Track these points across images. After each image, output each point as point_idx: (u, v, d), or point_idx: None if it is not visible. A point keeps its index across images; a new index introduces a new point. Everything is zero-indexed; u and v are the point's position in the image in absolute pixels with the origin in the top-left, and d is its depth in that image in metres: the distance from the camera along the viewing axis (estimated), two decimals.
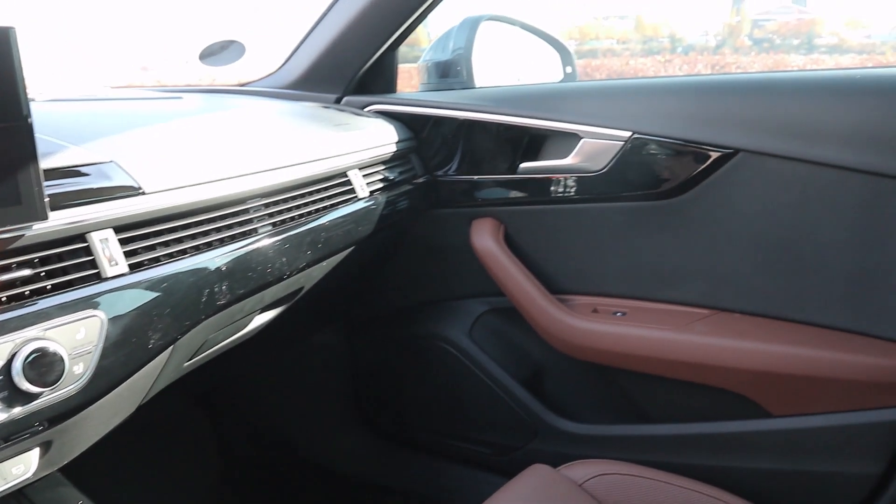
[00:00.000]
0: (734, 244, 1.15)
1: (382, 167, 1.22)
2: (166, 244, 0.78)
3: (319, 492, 1.64)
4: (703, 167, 1.14)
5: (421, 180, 1.32)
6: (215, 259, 0.83)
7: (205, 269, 0.81)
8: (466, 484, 1.46)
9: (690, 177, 1.15)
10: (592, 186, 1.22)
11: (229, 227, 0.87)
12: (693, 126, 1.15)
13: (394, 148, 1.26)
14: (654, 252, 1.21)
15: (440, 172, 1.34)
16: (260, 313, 1.02)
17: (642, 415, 1.28)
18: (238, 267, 0.86)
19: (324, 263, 1.06)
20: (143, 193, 0.75)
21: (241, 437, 1.69)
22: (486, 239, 1.28)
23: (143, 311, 0.72)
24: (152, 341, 0.74)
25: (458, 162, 1.33)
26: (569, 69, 1.65)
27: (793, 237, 1.11)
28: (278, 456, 1.67)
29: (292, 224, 0.98)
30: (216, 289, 0.83)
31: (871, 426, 1.07)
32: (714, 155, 1.13)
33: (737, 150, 1.12)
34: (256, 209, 0.92)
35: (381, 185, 1.20)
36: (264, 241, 0.91)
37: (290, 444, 1.67)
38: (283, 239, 0.94)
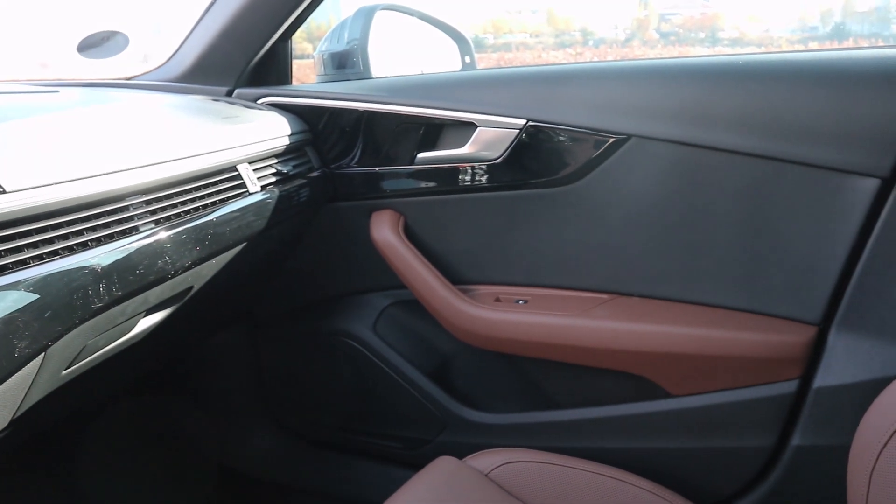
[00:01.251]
0: (630, 229, 1.17)
1: (275, 161, 1.19)
2: (35, 245, 0.73)
3: (227, 493, 1.59)
4: (597, 153, 1.15)
5: (317, 174, 1.28)
6: (90, 260, 0.78)
7: (78, 270, 0.76)
8: (377, 480, 1.44)
9: (585, 163, 1.16)
10: (490, 175, 1.21)
11: (106, 225, 0.82)
12: (586, 112, 1.15)
13: (287, 141, 1.22)
14: (553, 239, 1.22)
15: (337, 165, 1.32)
16: (146, 316, 0.97)
17: (548, 401, 1.28)
18: (116, 267, 0.81)
19: (213, 261, 1.02)
20: (4, 192, 0.69)
21: (140, 437, 1.62)
22: (385, 231, 1.26)
23: (8, 318, 0.67)
24: (18, 349, 0.69)
25: (356, 154, 1.30)
26: (467, 59, 1.65)
27: (686, 220, 1.14)
28: (183, 457, 1.61)
29: (177, 221, 0.93)
30: (91, 291, 0.78)
31: (763, 400, 1.11)
32: (608, 141, 1.14)
33: (629, 136, 1.13)
34: (136, 206, 0.87)
35: (273, 179, 1.16)
36: (145, 240, 0.86)
37: (196, 445, 1.61)
38: (166, 237, 0.89)
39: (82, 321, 0.78)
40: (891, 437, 0.86)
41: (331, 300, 1.42)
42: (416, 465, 1.09)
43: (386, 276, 1.31)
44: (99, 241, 0.81)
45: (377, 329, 1.37)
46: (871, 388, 0.95)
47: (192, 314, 1.11)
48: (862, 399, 0.97)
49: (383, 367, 1.36)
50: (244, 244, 1.08)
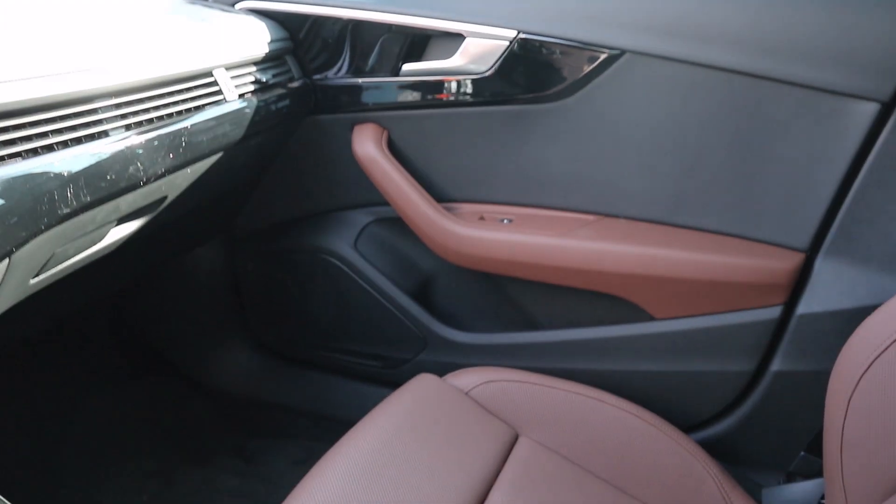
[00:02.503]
0: (620, 148, 1.14)
1: (254, 68, 1.13)
2: None
3: (205, 410, 1.59)
4: (589, 69, 1.11)
5: (297, 84, 1.23)
6: (55, 163, 0.74)
7: (43, 174, 0.72)
8: (355, 398, 1.44)
9: (577, 79, 1.12)
10: (478, 89, 1.17)
11: (73, 128, 0.78)
12: (580, 25, 1.11)
13: (266, 48, 1.16)
14: (541, 157, 1.18)
15: (319, 76, 1.26)
16: (117, 225, 0.93)
17: (531, 322, 1.28)
18: (84, 173, 0.77)
19: (188, 170, 0.98)
20: None
21: (122, 354, 1.61)
22: (367, 145, 1.22)
23: None
24: None
25: (338, 64, 1.25)
26: None
27: (677, 141, 1.11)
28: (162, 374, 1.61)
29: (149, 127, 0.89)
30: (58, 196, 0.74)
31: (745, 326, 1.10)
32: (600, 56, 1.10)
33: (623, 52, 1.09)
34: (105, 109, 0.83)
35: (252, 87, 1.11)
36: (115, 145, 0.82)
37: (174, 362, 1.60)
38: (137, 143, 0.85)
39: (49, 227, 0.75)
40: (872, 363, 0.86)
41: (311, 217, 1.39)
42: (396, 383, 1.09)
43: (368, 193, 1.28)
44: (65, 145, 0.76)
45: (358, 246, 1.34)
46: (854, 316, 0.95)
47: (166, 226, 1.08)
48: (844, 326, 0.97)
49: (363, 284, 1.34)
50: (220, 154, 1.04)
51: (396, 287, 1.32)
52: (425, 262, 1.33)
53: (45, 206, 0.73)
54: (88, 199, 0.79)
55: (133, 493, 1.43)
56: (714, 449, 1.12)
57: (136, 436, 1.55)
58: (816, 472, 1.09)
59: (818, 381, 1.05)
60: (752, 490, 1.09)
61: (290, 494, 0.84)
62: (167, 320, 1.60)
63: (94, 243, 0.91)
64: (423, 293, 1.35)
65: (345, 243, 1.34)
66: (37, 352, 1.50)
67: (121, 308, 1.59)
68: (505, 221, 1.21)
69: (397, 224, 1.28)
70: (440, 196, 1.25)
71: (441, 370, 1.08)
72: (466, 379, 1.04)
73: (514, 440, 1.00)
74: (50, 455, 1.46)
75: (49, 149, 0.74)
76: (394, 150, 1.25)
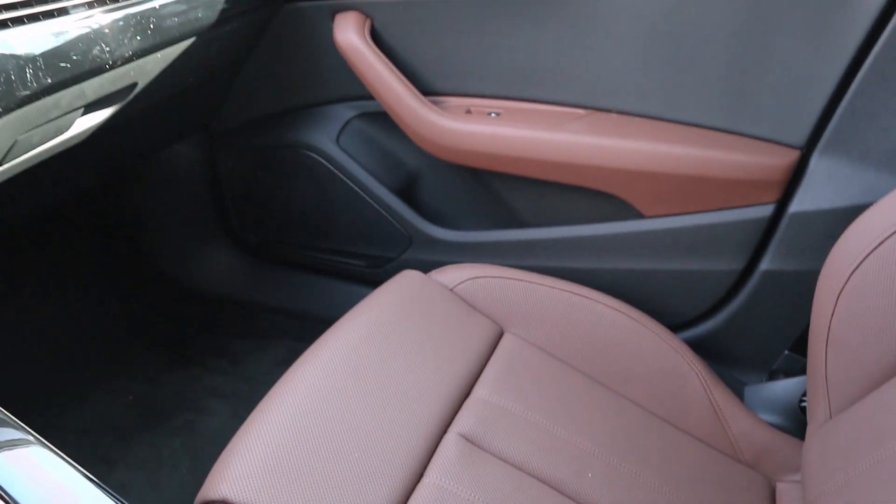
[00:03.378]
0: (613, 40, 1.09)
1: None
2: None
3: (189, 312, 1.58)
4: None
5: None
6: (11, 41, 0.69)
7: None
8: (339, 298, 1.42)
9: None
10: None
11: (29, 3, 0.72)
12: None
13: None
14: (531, 49, 1.13)
15: None
16: (85, 113, 0.89)
17: (517, 220, 1.25)
18: (44, 52, 0.72)
19: (158, 55, 0.93)
20: None
21: (103, 257, 1.59)
22: (350, 34, 1.16)
23: None
24: None
25: None
26: None
27: (672, 33, 1.06)
28: (144, 276, 1.59)
29: (114, 5, 0.83)
30: (15, 77, 0.69)
31: (736, 224, 1.08)
32: None
33: None
34: None
35: None
36: (77, 24, 0.77)
37: (157, 264, 1.58)
38: (102, 22, 0.80)
39: (7, 110, 0.70)
40: (863, 260, 0.85)
41: (291, 111, 1.33)
42: (380, 283, 1.07)
43: (350, 85, 1.23)
44: (21, 21, 0.71)
45: (340, 142, 1.30)
46: (847, 215, 0.93)
47: (138, 117, 1.03)
48: (835, 225, 0.95)
49: (347, 181, 1.30)
50: (193, 40, 0.98)
51: (381, 184, 1.29)
52: (410, 158, 1.29)
53: (1, 86, 0.68)
54: (49, 81, 0.74)
55: (118, 394, 1.43)
56: (699, 348, 1.11)
57: (120, 337, 1.55)
58: (799, 371, 1.09)
59: (806, 281, 1.04)
60: (736, 388, 1.10)
61: (272, 389, 0.83)
62: (147, 221, 1.56)
63: (61, 132, 0.87)
64: (408, 190, 1.32)
65: (327, 139, 1.30)
66: (16, 254, 1.47)
67: (100, 209, 1.55)
68: (493, 115, 1.16)
69: (381, 118, 1.23)
70: (426, 89, 1.20)
71: (426, 269, 1.06)
72: (451, 275, 1.02)
73: (499, 336, 0.99)
74: (32, 358, 1.45)
75: (3, 25, 0.69)
76: (377, 39, 1.19)
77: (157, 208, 1.53)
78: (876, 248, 0.83)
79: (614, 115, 1.13)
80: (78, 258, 1.57)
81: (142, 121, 1.08)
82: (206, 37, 1.01)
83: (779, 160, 1.04)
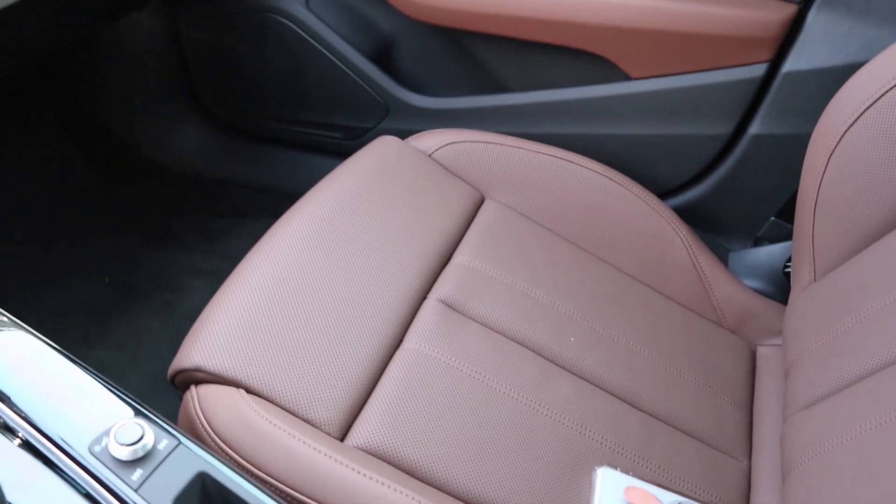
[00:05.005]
0: None
1: None
2: None
3: (163, 191, 1.54)
4: None
5: None
6: None
7: None
8: (316, 172, 1.37)
9: None
10: None
11: None
12: None
13: None
14: None
15: None
16: None
17: (498, 85, 1.19)
18: None
19: None
20: None
21: (64, 132, 1.52)
22: None
23: None
24: None
25: None
26: None
27: None
28: (115, 155, 1.53)
29: None
30: None
31: (726, 85, 1.03)
32: None
33: None
34: None
35: None
36: None
37: (126, 142, 1.52)
38: None
39: None
40: (859, 117, 0.81)
41: None
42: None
43: None
44: None
45: (311, 5, 1.22)
46: (844, 73, 0.89)
47: None
48: (831, 85, 0.92)
49: (320, 48, 1.23)
50: None
51: (355, 50, 1.22)
52: (385, 21, 1.22)
53: None
54: None
55: (94, 274, 1.40)
56: (685, 215, 1.09)
57: (92, 218, 1.50)
58: (784, 237, 1.08)
59: (797, 145, 1.01)
60: (721, 254, 1.09)
61: (245, 257, 0.80)
62: (112, 96, 1.49)
63: None
64: (384, 56, 1.25)
65: (296, 2, 1.22)
66: None
67: (59, 83, 1.48)
68: None
69: None
70: None
71: (405, 138, 1.02)
72: (430, 140, 0.98)
73: (480, 202, 0.96)
74: (2, 236, 1.41)
75: None
76: None
77: (118, 82, 1.46)
78: (873, 103, 0.80)
79: None
80: (39, 135, 1.51)
81: None
82: None
83: (774, 15, 0.98)
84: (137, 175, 1.55)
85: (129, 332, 1.30)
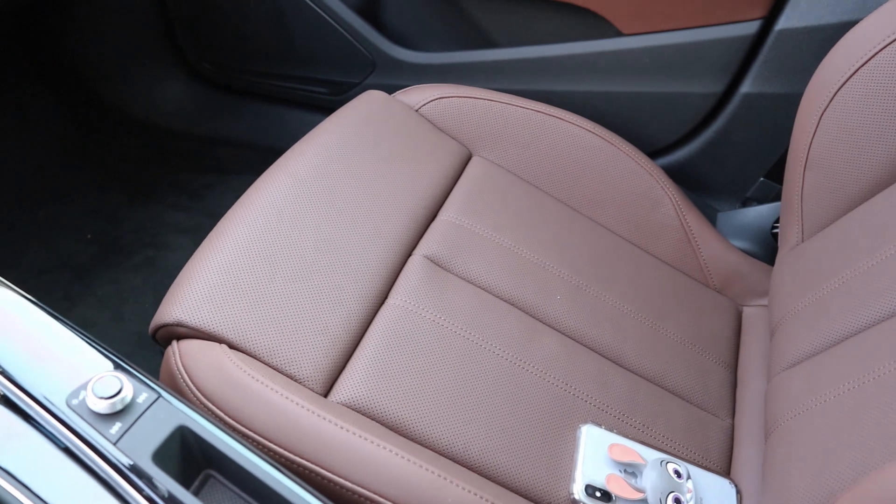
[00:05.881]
0: None
1: None
2: None
3: (146, 147, 1.51)
4: None
5: None
6: None
7: None
8: (302, 127, 1.34)
9: None
10: None
11: None
12: None
13: None
14: None
15: None
16: None
17: (488, 40, 1.17)
18: None
19: None
20: None
21: (50, 91, 1.49)
22: None
23: None
24: None
25: None
26: None
27: None
28: (96, 111, 1.50)
29: None
30: None
31: (719, 42, 1.02)
32: None
33: None
34: None
35: None
36: None
37: (108, 97, 1.49)
38: None
39: None
40: (851, 75, 0.80)
41: None
42: None
43: None
44: None
45: None
46: (836, 32, 0.88)
47: None
48: (824, 43, 0.91)
49: (305, 0, 1.20)
50: None
51: (342, 2, 1.19)
52: None
53: None
54: None
55: (76, 231, 1.38)
56: (675, 174, 1.09)
57: (72, 173, 1.48)
58: (773, 198, 1.07)
59: (788, 104, 1.00)
60: (709, 214, 1.08)
61: (228, 212, 0.79)
62: (93, 50, 1.45)
63: None
64: (370, 10, 1.23)
65: None
66: None
67: (42, 39, 1.44)
68: None
69: None
70: None
71: (392, 93, 1.00)
72: (417, 95, 0.96)
73: (467, 159, 0.95)
74: None
75: None
76: None
77: (99, 35, 1.42)
78: (865, 62, 0.79)
79: None
80: (19, 91, 1.48)
81: None
82: None
83: None
84: (120, 131, 1.52)
85: (112, 290, 1.29)
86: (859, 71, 0.79)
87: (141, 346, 1.21)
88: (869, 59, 0.78)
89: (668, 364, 0.84)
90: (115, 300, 1.27)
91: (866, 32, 0.80)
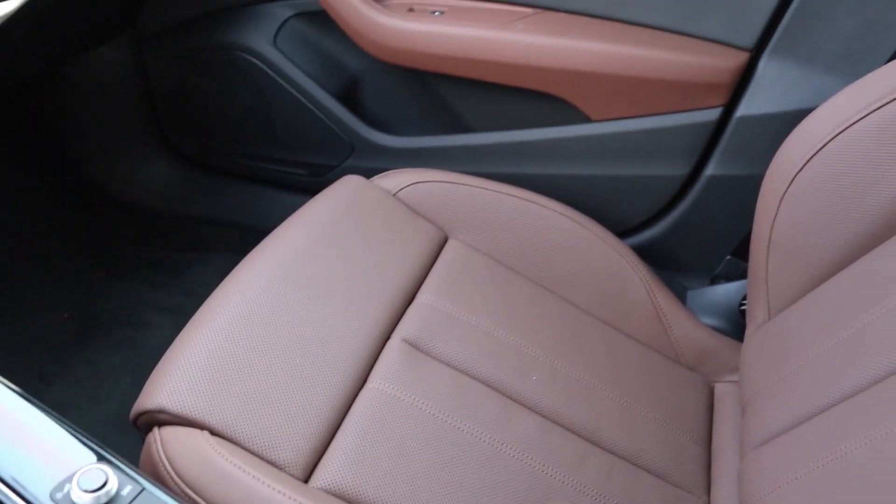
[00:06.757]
0: None
1: None
2: None
3: (126, 225, 1.53)
4: None
5: None
6: None
7: None
8: (282, 208, 1.38)
9: None
10: None
11: None
12: None
13: None
14: None
15: None
16: None
17: (462, 125, 1.22)
18: None
19: None
20: None
21: (32, 169, 1.51)
22: None
23: None
24: None
25: None
26: None
27: None
28: (77, 189, 1.52)
29: None
30: None
31: (683, 128, 1.07)
32: None
33: None
34: None
35: None
36: None
37: (89, 176, 1.51)
38: None
39: None
40: (806, 163, 0.85)
41: (225, 10, 1.26)
42: (321, 191, 1.04)
43: None
44: None
45: (278, 43, 1.23)
46: (793, 118, 0.93)
47: (50, 10, 0.95)
48: (782, 129, 0.95)
49: (286, 86, 1.25)
50: None
51: (321, 88, 1.24)
52: (352, 60, 1.24)
53: None
54: None
55: (53, 310, 1.38)
56: (644, 253, 1.12)
57: (52, 251, 1.48)
58: (740, 275, 1.11)
59: (750, 186, 1.05)
60: (679, 292, 1.11)
61: (210, 297, 0.80)
62: (78, 130, 1.48)
63: None
64: (350, 95, 1.27)
65: (263, 40, 1.23)
66: None
67: (29, 117, 1.46)
68: (436, 13, 1.11)
69: (320, 18, 1.17)
70: None
71: (369, 176, 1.03)
72: (394, 180, 1.00)
73: (444, 242, 0.98)
74: None
75: None
76: None
77: (85, 115, 1.45)
78: (818, 151, 0.83)
79: (561, 15, 1.09)
80: (4, 166, 1.49)
81: (55, 14, 1.00)
82: None
83: (727, 62, 1.02)
84: (102, 209, 1.53)
85: (89, 370, 1.28)
86: (813, 158, 0.84)
87: (118, 428, 1.20)
88: (821, 148, 0.83)
89: (643, 443, 0.85)
90: (92, 380, 1.27)
91: (818, 123, 0.85)
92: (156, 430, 0.68)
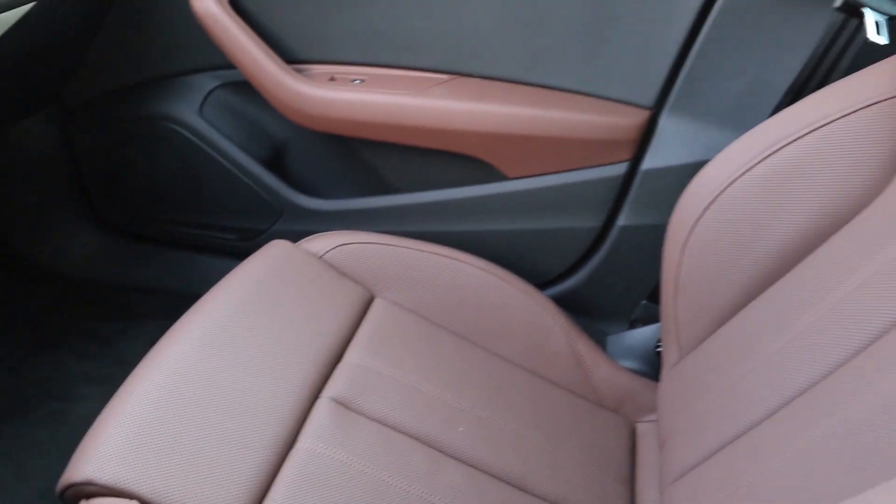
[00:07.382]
0: (471, 4, 1.10)
1: None
2: None
3: (50, 296, 1.51)
4: None
5: None
6: None
7: None
8: (210, 273, 1.38)
9: None
10: None
11: None
12: None
13: None
14: (391, 13, 1.13)
15: None
16: None
17: (386, 186, 1.26)
18: None
19: None
20: None
21: None
22: (207, 1, 1.12)
23: None
24: None
25: None
26: None
27: None
28: (5, 263, 1.49)
29: None
30: None
31: (594, 182, 1.13)
32: None
33: None
34: None
35: None
36: None
37: (12, 247, 1.49)
38: None
39: None
40: (704, 211, 0.91)
41: (150, 82, 1.28)
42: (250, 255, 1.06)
43: (211, 54, 1.19)
44: None
45: (203, 113, 1.26)
46: (692, 170, 0.99)
47: None
48: (683, 180, 1.01)
49: (213, 154, 1.27)
50: (33, 3, 0.93)
51: (247, 155, 1.27)
52: (277, 128, 1.27)
53: None
54: None
55: None
56: (564, 303, 1.16)
57: None
58: (656, 319, 1.16)
59: (660, 234, 1.10)
60: (599, 338, 1.16)
61: (137, 367, 0.81)
62: (2, 202, 1.47)
63: None
64: (276, 161, 1.30)
65: (189, 110, 1.26)
66: None
67: None
68: (356, 82, 1.16)
69: (245, 88, 1.20)
70: (289, 57, 1.18)
71: (298, 239, 1.06)
72: (320, 243, 1.03)
73: (370, 301, 1.01)
74: None
75: None
76: (237, 6, 1.16)
77: (8, 187, 1.44)
78: (713, 201, 0.90)
79: (476, 80, 1.15)
80: None
81: None
82: (49, 1, 0.96)
83: (631, 120, 1.09)
84: (26, 280, 1.51)
85: (15, 445, 1.25)
86: (710, 207, 0.90)
87: None
88: (716, 197, 0.89)
89: (568, 485, 0.88)
90: (18, 455, 1.24)
91: (712, 174, 0.91)
92: (83, 502, 0.68)
